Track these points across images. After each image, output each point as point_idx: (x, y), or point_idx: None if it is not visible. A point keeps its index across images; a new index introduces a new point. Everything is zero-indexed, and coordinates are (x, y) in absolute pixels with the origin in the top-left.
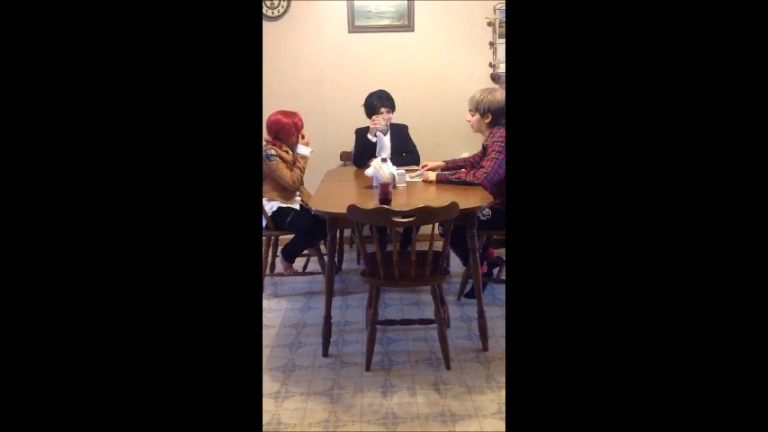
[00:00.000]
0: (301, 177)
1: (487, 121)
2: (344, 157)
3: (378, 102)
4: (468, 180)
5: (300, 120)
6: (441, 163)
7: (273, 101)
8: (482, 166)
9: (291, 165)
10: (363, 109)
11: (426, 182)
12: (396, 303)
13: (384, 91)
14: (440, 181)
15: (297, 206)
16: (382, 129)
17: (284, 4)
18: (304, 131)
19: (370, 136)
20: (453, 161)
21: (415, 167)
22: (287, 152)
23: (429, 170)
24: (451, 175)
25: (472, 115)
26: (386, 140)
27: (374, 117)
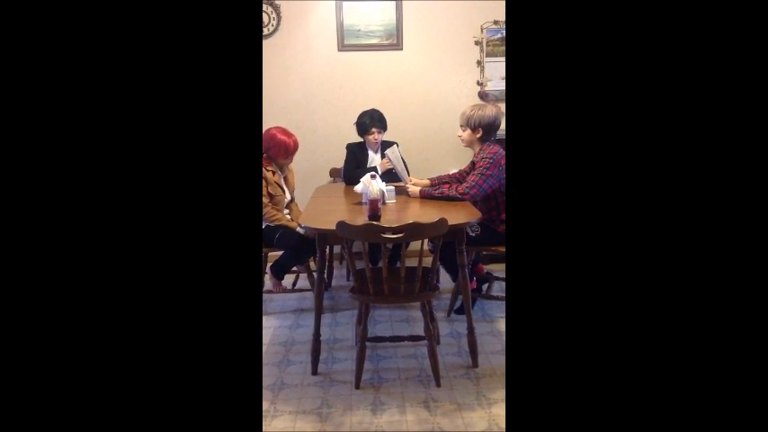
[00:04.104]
0: (273, 215)
1: (478, 135)
2: (334, 173)
3: (370, 121)
4: (450, 194)
5: (295, 143)
6: (426, 181)
7: (264, 118)
8: (466, 181)
9: (276, 186)
10: (355, 127)
11: (411, 196)
12: (385, 320)
13: (377, 111)
14: (423, 196)
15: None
16: (391, 165)
17: (274, 22)
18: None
19: (379, 168)
20: (439, 178)
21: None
22: (273, 172)
23: (413, 185)
24: (434, 190)
25: (463, 130)
26: (377, 158)
27: (383, 161)
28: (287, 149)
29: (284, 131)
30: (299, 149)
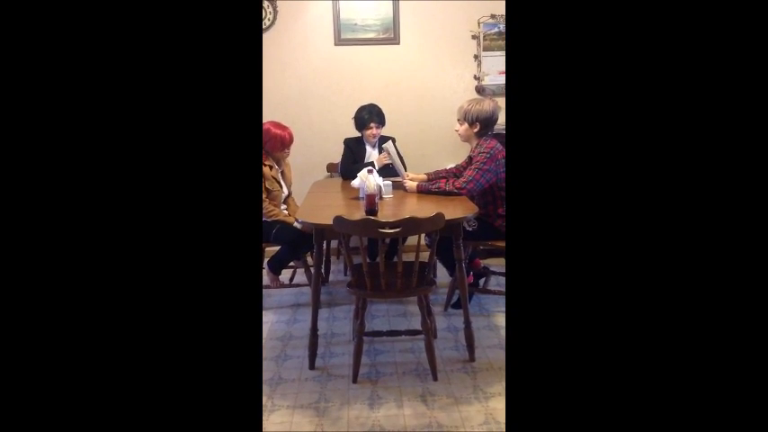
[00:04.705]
0: (271, 210)
1: (476, 130)
2: (331, 168)
3: (368, 116)
4: (447, 189)
5: (290, 135)
6: (423, 176)
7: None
8: (463, 175)
9: (273, 181)
10: (354, 122)
11: (408, 191)
12: (383, 315)
13: (375, 106)
14: (420, 191)
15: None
16: (387, 161)
17: (270, 16)
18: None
19: (376, 163)
20: (436, 173)
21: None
22: (270, 167)
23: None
24: (431, 185)
25: (461, 125)
26: (375, 153)
27: (381, 156)
28: (283, 142)
29: (278, 125)
30: (294, 144)
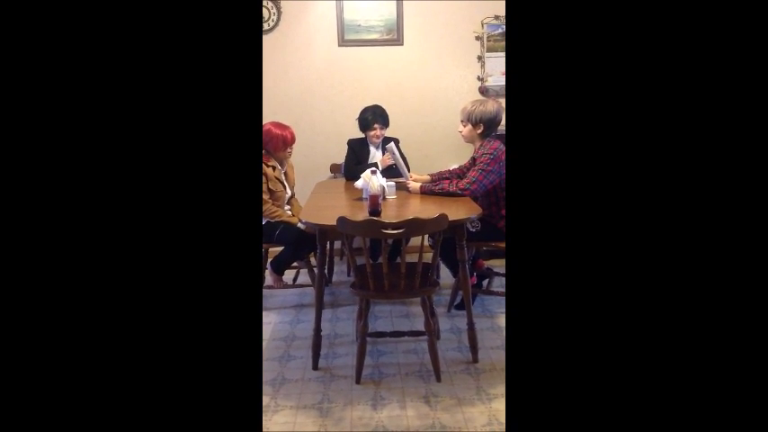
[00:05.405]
0: (274, 211)
1: (479, 131)
2: (335, 169)
3: (372, 117)
4: (450, 190)
5: (292, 134)
6: (426, 177)
7: (263, 114)
8: (466, 176)
9: (276, 181)
10: (358, 123)
11: (411, 192)
12: (386, 315)
13: (379, 107)
14: (423, 192)
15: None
16: (390, 162)
17: (274, 17)
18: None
19: (380, 164)
20: (439, 173)
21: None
22: (273, 168)
23: (413, 181)
24: (435, 185)
25: (464, 126)
26: (378, 154)
27: (384, 157)
28: (285, 141)
29: (279, 125)
30: (298, 145)
